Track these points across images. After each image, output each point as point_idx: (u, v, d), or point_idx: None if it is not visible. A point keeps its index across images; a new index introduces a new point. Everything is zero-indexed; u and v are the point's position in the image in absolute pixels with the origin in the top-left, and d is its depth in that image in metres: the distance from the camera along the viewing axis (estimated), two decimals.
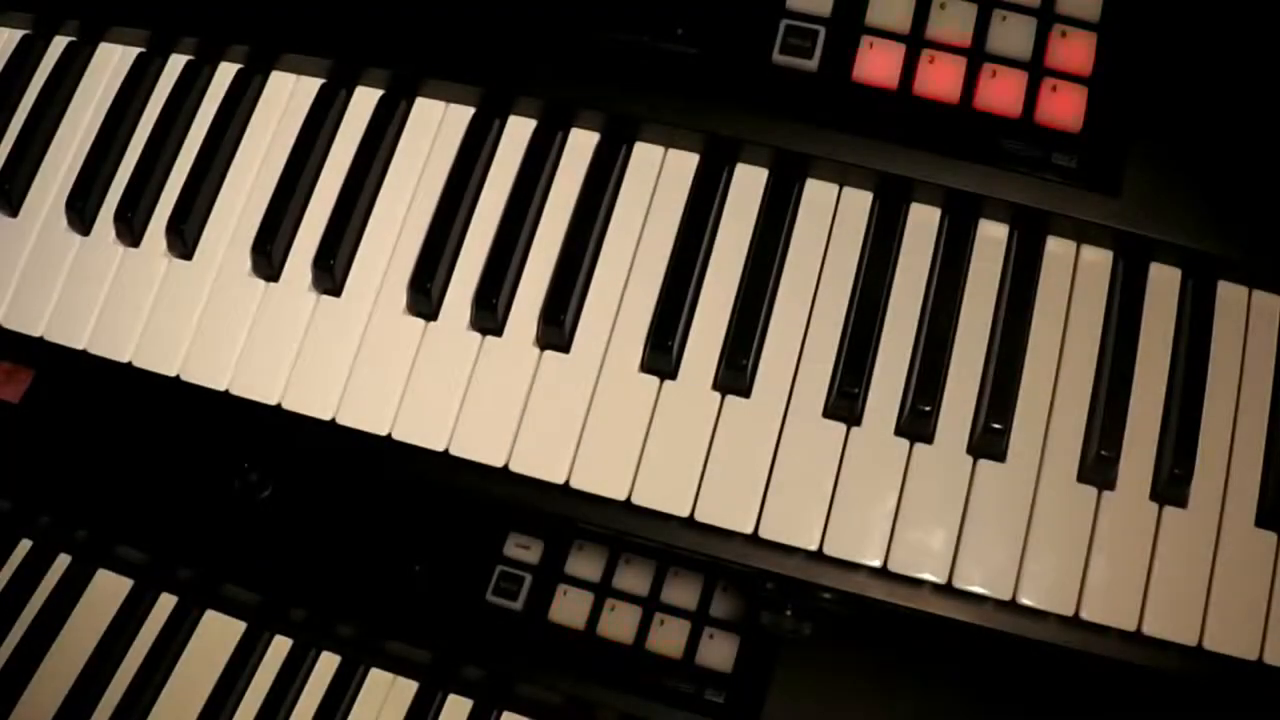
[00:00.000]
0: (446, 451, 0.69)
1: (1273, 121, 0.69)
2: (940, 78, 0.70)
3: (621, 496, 0.67)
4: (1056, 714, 0.82)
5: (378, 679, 0.87)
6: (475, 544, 0.88)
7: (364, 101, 0.76)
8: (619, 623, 0.85)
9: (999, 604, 0.65)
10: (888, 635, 0.84)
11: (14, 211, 0.77)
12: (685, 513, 0.66)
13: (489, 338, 0.71)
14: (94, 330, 0.73)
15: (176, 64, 0.79)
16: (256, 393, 0.71)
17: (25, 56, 0.80)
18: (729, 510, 0.66)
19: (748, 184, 0.72)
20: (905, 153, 0.69)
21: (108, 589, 0.91)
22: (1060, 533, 0.65)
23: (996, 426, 0.65)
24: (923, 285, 0.69)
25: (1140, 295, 0.68)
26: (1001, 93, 0.70)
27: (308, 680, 0.87)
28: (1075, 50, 0.70)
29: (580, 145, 0.74)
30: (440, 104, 0.76)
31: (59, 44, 0.81)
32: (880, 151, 0.69)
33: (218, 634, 0.89)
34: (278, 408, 0.71)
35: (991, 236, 0.70)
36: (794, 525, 0.66)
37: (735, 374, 0.68)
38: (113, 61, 0.80)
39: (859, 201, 0.71)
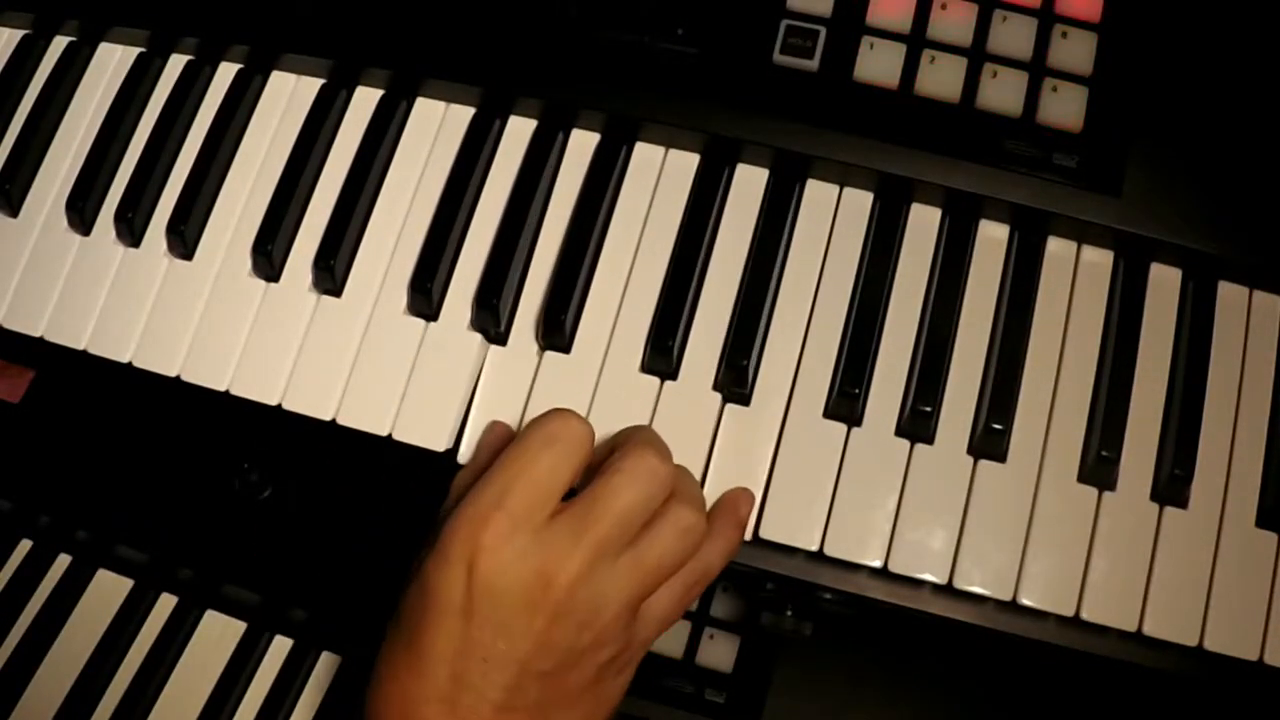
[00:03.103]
0: (448, 452, 0.69)
1: (1273, 122, 0.69)
2: (941, 78, 0.70)
3: None
4: (1056, 714, 0.82)
5: None
6: None
7: (364, 101, 0.76)
8: None
9: (999, 604, 0.65)
10: (888, 635, 0.84)
11: (14, 212, 0.76)
12: None
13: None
14: (94, 330, 0.73)
15: (176, 64, 0.79)
16: (256, 393, 0.71)
17: (25, 56, 0.80)
18: None
19: (748, 184, 0.72)
20: (906, 153, 0.69)
21: (108, 589, 0.90)
22: (1060, 533, 0.65)
23: (997, 427, 0.65)
24: (923, 285, 0.69)
25: (1141, 295, 0.68)
26: (1002, 93, 0.70)
27: (308, 680, 0.87)
28: (1075, 50, 0.70)
29: (580, 145, 0.74)
30: (440, 104, 0.75)
31: (59, 44, 0.80)
32: (881, 151, 0.69)
33: (218, 634, 0.89)
34: (278, 408, 0.71)
35: (992, 237, 0.70)
36: (794, 526, 0.66)
37: (736, 375, 0.67)
38: (113, 61, 0.79)
39: (859, 201, 0.71)
